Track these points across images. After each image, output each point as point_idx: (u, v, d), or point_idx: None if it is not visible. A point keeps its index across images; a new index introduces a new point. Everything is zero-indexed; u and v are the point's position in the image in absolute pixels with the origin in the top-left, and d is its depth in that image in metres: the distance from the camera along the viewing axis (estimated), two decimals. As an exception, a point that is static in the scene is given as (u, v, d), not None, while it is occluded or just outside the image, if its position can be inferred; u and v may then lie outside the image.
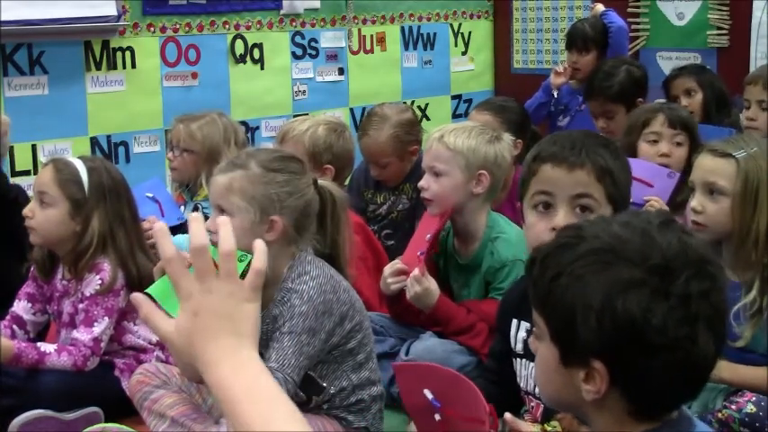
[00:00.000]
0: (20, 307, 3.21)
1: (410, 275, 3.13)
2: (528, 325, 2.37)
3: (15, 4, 4.51)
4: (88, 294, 3.03)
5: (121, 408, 2.97)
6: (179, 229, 3.85)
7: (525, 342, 2.36)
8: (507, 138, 3.36)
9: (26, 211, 3.09)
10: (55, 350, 3.00)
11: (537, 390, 2.30)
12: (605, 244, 1.37)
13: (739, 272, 2.65)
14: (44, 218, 3.06)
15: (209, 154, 3.89)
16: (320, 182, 2.74)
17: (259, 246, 1.32)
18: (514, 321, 2.41)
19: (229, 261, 1.25)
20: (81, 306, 3.05)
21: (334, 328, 2.59)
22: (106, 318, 3.03)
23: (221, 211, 2.59)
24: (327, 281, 2.58)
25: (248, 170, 2.60)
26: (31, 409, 2.92)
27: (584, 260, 1.36)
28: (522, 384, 2.39)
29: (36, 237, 3.09)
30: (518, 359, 2.40)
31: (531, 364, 2.32)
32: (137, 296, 1.31)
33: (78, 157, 3.21)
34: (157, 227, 1.29)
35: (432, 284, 3.14)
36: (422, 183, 3.27)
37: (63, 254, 3.12)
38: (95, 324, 3.02)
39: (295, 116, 5.35)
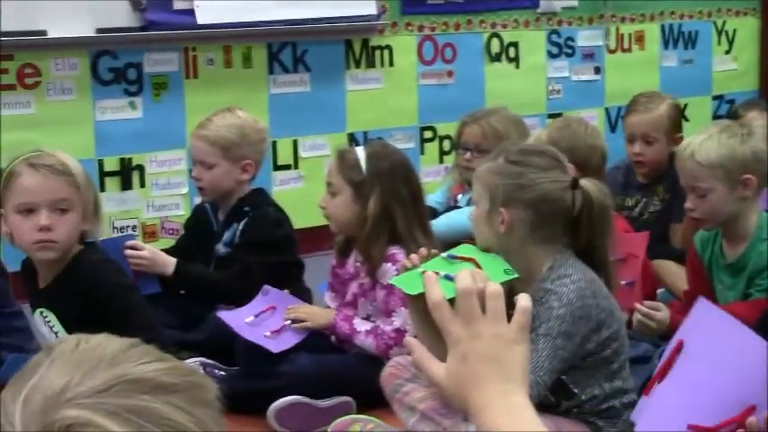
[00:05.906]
0: (327, 297, 3.40)
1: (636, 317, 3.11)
2: None
3: (282, 3, 4.69)
4: (385, 284, 3.12)
5: (374, 398, 3.02)
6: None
7: None
8: (759, 127, 3.21)
9: (320, 201, 3.30)
10: (366, 330, 3.14)
11: None
12: None
13: None
14: (334, 206, 3.24)
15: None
16: (582, 182, 2.65)
17: (522, 295, 1.30)
18: None
19: (496, 301, 1.24)
20: (380, 295, 3.15)
21: (590, 335, 2.54)
22: (403, 308, 3.07)
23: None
24: (588, 285, 2.54)
25: (495, 161, 2.63)
26: (290, 393, 3.04)
27: None
28: None
29: (332, 225, 3.29)
30: None
31: None
32: (409, 340, 1.34)
33: (365, 144, 3.42)
34: (427, 276, 1.30)
35: (663, 314, 3.11)
36: (687, 204, 3.21)
37: (355, 238, 3.24)
38: (394, 315, 3.12)
39: (549, 116, 5.32)
